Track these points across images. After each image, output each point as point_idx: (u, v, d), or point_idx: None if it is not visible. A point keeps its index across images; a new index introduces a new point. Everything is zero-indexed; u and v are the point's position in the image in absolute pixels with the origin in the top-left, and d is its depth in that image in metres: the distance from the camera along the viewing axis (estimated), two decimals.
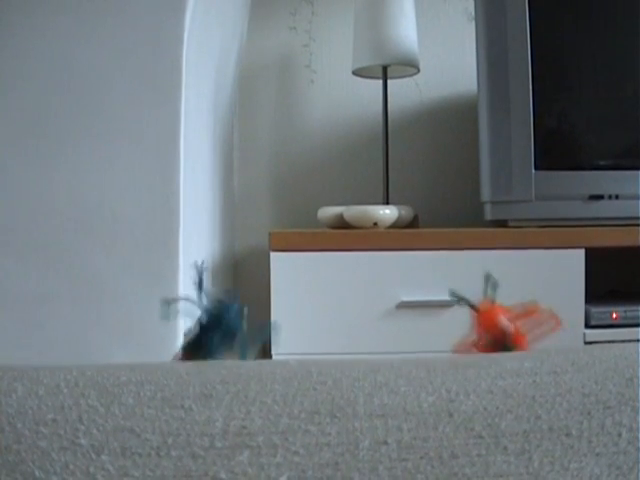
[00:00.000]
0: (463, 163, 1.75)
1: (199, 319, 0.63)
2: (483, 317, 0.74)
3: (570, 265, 1.29)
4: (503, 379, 0.34)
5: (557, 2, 1.39)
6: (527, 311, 0.74)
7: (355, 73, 1.62)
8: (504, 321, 0.72)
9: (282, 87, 1.78)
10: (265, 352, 1.28)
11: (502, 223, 1.40)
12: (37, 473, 0.29)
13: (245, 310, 0.65)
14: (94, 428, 0.31)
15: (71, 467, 0.29)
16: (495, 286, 0.75)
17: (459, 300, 0.76)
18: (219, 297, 0.65)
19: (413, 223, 1.52)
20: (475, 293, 1.40)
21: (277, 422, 0.31)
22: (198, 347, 0.64)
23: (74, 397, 0.33)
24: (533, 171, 1.35)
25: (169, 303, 0.63)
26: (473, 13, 1.42)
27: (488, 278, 0.76)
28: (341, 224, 1.42)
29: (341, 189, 1.77)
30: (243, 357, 0.65)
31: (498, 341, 0.73)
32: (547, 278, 1.29)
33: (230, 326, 0.64)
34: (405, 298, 1.29)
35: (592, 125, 1.42)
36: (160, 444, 0.30)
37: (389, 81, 1.60)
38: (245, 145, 1.77)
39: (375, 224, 1.36)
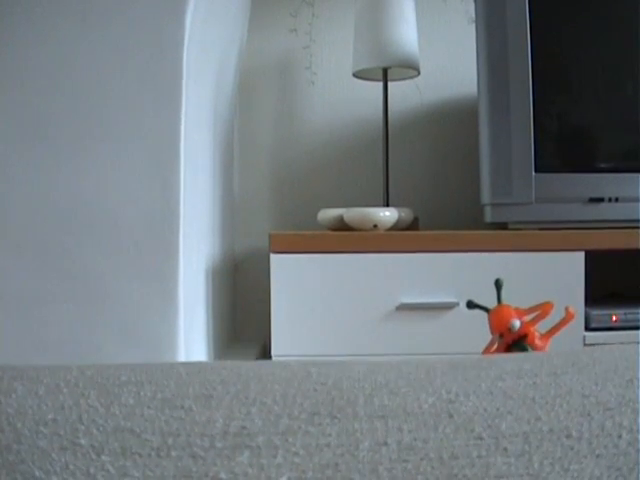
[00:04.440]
0: (463, 165, 1.75)
1: None
2: (495, 321, 0.74)
3: (570, 268, 1.29)
4: (503, 380, 0.34)
5: (557, 4, 1.39)
6: (539, 308, 0.74)
7: (355, 75, 1.62)
8: (515, 322, 0.72)
9: (282, 89, 1.78)
10: (265, 353, 1.29)
11: (502, 225, 1.40)
12: (37, 473, 0.29)
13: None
14: (94, 428, 0.31)
15: (71, 467, 0.29)
16: (500, 287, 0.76)
17: (472, 307, 0.77)
18: None
19: (413, 225, 1.52)
20: (475, 295, 1.40)
21: (277, 423, 0.31)
22: None
23: (74, 397, 0.33)
24: (533, 173, 1.35)
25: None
26: (473, 15, 1.43)
27: (497, 282, 0.76)
28: (341, 226, 1.42)
29: (341, 191, 1.77)
30: None
31: (511, 342, 0.73)
32: (547, 281, 1.29)
33: None
34: (405, 300, 1.29)
35: (592, 127, 1.42)
36: (160, 444, 0.30)
37: (389, 83, 1.60)
38: (245, 147, 1.77)
39: (375, 226, 1.36)
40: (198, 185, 1.19)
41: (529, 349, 0.72)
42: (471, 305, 0.80)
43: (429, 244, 1.31)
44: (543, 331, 0.75)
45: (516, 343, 0.73)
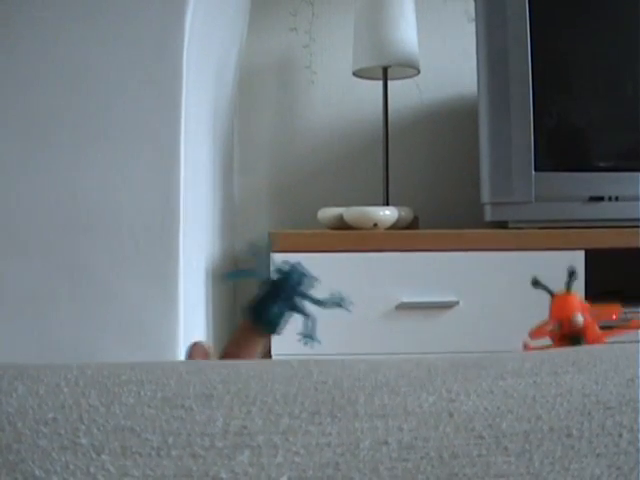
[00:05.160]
0: (463, 164, 1.75)
1: (264, 282, 0.66)
2: (558, 308, 0.74)
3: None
4: (504, 379, 0.34)
5: (557, 3, 1.39)
6: (605, 308, 0.74)
7: (355, 74, 1.62)
8: (577, 315, 0.72)
9: (282, 88, 1.78)
10: (266, 352, 1.28)
11: (502, 224, 1.40)
12: (37, 472, 0.29)
13: (312, 277, 0.68)
14: (94, 427, 0.31)
15: (71, 467, 0.29)
16: (574, 279, 0.75)
17: (537, 285, 0.77)
18: (283, 264, 0.67)
19: (413, 224, 1.52)
20: (475, 294, 1.40)
21: (278, 422, 0.31)
22: (262, 309, 0.66)
23: (74, 396, 0.33)
24: (533, 172, 1.35)
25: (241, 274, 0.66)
26: (473, 14, 1.43)
27: (571, 271, 0.76)
28: (341, 225, 1.42)
29: (341, 190, 1.77)
30: (306, 322, 0.69)
31: (569, 332, 0.73)
32: (547, 279, 1.29)
33: (295, 289, 0.67)
34: (405, 299, 1.29)
35: (592, 126, 1.42)
36: (160, 444, 0.30)
37: (389, 82, 1.60)
38: (245, 146, 1.77)
39: (375, 225, 1.36)
40: (198, 185, 1.19)
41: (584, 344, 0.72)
42: (536, 283, 0.79)
43: (429, 243, 1.31)
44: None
45: (573, 336, 0.72)
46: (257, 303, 0.69)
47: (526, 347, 0.75)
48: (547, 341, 0.74)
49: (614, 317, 0.74)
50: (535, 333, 0.76)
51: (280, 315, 0.68)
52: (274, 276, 0.68)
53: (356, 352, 1.28)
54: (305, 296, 0.69)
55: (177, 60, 1.04)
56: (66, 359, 1.01)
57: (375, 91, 1.69)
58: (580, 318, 0.72)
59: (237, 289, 1.75)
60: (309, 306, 0.70)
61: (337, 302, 0.70)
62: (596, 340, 0.73)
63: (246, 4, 1.61)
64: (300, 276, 0.68)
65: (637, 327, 0.74)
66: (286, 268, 0.69)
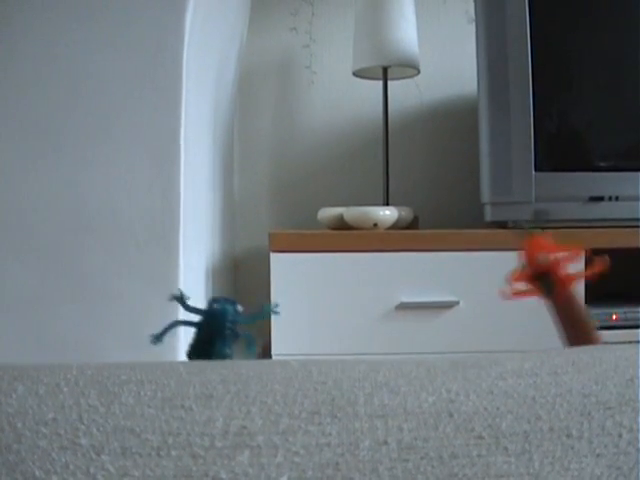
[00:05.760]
0: (463, 164, 1.75)
1: (198, 328, 0.65)
2: (527, 249, 0.76)
3: (570, 266, 1.29)
4: (504, 379, 0.34)
5: (557, 4, 1.39)
6: (572, 249, 0.76)
7: (355, 74, 1.62)
8: (543, 255, 0.74)
9: (282, 88, 1.78)
10: (265, 352, 1.28)
11: (502, 224, 1.40)
12: (37, 473, 0.29)
13: (239, 307, 0.67)
14: (94, 428, 0.31)
15: (71, 467, 0.29)
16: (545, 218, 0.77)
17: (519, 228, 0.78)
18: (212, 303, 0.66)
19: (413, 224, 1.52)
20: (475, 294, 1.40)
21: (277, 422, 0.31)
22: (203, 353, 0.66)
23: (74, 396, 0.33)
24: (533, 172, 1.35)
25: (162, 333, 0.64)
26: (473, 15, 1.43)
27: (538, 213, 0.78)
28: (341, 225, 1.42)
29: (341, 190, 1.77)
30: (250, 350, 0.67)
31: (535, 272, 0.75)
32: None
33: (229, 326, 0.66)
34: (405, 299, 1.29)
35: (592, 126, 1.42)
36: (160, 444, 0.30)
37: (389, 82, 1.60)
38: (245, 146, 1.77)
39: (375, 225, 1.36)
40: (198, 185, 1.19)
41: (551, 284, 0.74)
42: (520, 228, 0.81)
43: (429, 243, 1.31)
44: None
45: (540, 276, 0.75)
46: (199, 350, 0.68)
47: (506, 293, 0.77)
48: (525, 286, 0.77)
49: (578, 255, 0.77)
50: (513, 277, 0.77)
51: (226, 353, 0.67)
52: (205, 319, 0.68)
53: (356, 352, 1.28)
54: (235, 322, 0.68)
55: (177, 60, 1.04)
56: (66, 359, 1.01)
57: (375, 91, 1.69)
58: (543, 257, 0.74)
59: (237, 289, 1.75)
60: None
61: (267, 312, 0.70)
62: (565, 278, 0.76)
63: (246, 4, 1.61)
64: (227, 309, 0.67)
65: (601, 267, 0.76)
66: (213, 307, 0.68)
